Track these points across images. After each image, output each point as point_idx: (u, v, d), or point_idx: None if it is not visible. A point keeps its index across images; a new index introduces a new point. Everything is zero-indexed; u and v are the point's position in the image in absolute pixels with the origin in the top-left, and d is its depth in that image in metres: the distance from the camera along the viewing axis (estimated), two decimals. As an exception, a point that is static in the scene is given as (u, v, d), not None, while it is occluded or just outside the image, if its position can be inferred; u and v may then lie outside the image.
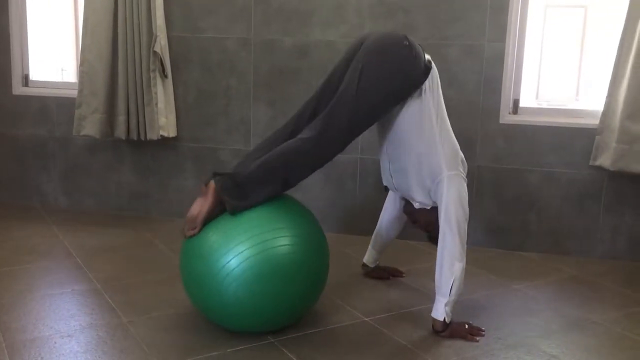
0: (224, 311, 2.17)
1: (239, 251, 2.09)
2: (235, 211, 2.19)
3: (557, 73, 5.75)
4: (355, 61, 2.27)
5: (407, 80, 2.29)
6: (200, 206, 2.21)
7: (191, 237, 2.23)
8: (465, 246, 2.31)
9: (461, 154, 2.46)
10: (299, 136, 2.28)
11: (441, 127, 2.38)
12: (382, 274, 2.93)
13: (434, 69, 2.37)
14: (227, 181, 2.23)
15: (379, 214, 2.90)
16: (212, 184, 2.22)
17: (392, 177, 2.55)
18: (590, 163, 3.23)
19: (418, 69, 2.30)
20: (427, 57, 2.37)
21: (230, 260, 2.09)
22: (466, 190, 2.37)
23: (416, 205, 2.49)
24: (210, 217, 2.21)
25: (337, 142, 2.29)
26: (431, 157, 2.35)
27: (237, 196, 2.20)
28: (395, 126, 2.38)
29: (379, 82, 2.25)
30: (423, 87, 2.32)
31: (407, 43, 2.28)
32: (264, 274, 2.10)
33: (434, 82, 2.36)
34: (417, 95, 2.33)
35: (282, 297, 2.16)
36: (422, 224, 2.55)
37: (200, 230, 2.21)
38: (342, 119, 2.24)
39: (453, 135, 2.45)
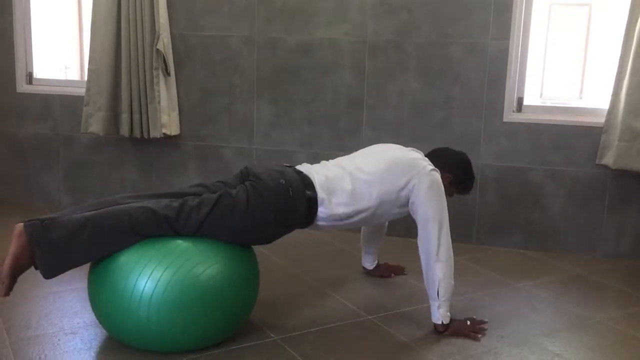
0: (138, 334, 2.03)
1: (156, 276, 1.95)
2: (47, 273, 1.93)
3: (561, 71, 5.74)
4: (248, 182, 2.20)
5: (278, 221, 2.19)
6: (8, 254, 1.92)
7: (5, 296, 1.96)
8: (448, 242, 2.26)
9: (412, 152, 2.45)
10: (146, 204, 2.06)
11: (370, 198, 2.30)
12: (384, 272, 2.93)
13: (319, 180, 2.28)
14: (38, 227, 1.91)
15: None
16: (18, 226, 1.93)
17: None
18: (597, 162, 3.22)
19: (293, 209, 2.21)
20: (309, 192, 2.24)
21: (145, 283, 1.94)
22: (438, 179, 2.31)
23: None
24: (19, 268, 1.93)
25: (191, 226, 2.07)
26: (390, 205, 2.34)
27: (49, 251, 1.91)
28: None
29: (263, 220, 2.15)
30: (318, 215, 2.25)
31: (283, 182, 2.20)
32: (180, 298, 1.96)
33: (335, 198, 2.28)
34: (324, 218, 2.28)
35: (200, 321, 2.04)
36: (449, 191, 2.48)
37: (10, 284, 1.93)
38: (204, 213, 2.07)
39: (374, 168, 2.35)
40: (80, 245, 1.96)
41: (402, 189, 2.30)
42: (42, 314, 2.40)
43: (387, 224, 2.86)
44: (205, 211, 2.07)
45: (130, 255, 1.99)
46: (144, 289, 1.94)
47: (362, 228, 2.87)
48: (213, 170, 3.77)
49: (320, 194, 2.24)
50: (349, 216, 2.29)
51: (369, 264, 2.93)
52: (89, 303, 2.49)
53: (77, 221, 1.97)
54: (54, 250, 1.94)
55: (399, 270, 2.96)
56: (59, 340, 2.18)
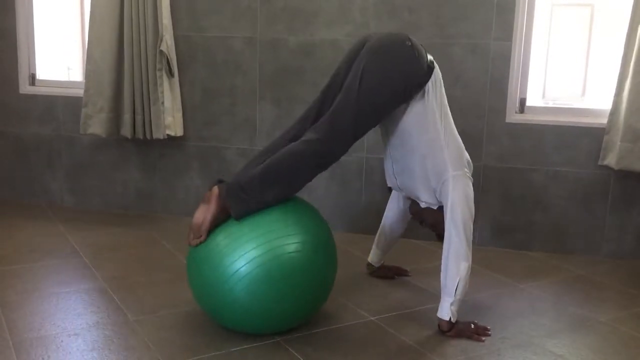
0: (235, 315, 2.16)
1: (250, 257, 2.08)
2: (241, 217, 2.17)
3: (564, 72, 5.73)
4: (357, 62, 2.27)
5: (410, 80, 2.28)
6: (204, 213, 2.17)
7: (197, 245, 2.21)
8: (471, 246, 2.31)
9: (466, 154, 2.45)
10: (302, 138, 2.26)
11: (445, 128, 2.37)
12: (387, 273, 2.93)
13: (437, 69, 2.36)
14: (231, 186, 2.19)
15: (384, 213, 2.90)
16: (215, 189, 2.18)
17: (395, 177, 2.54)
18: (599, 163, 3.22)
19: (420, 69, 2.29)
20: (430, 57, 2.35)
21: (242, 266, 2.08)
22: (472, 189, 2.36)
23: (422, 205, 2.49)
24: (215, 224, 2.18)
25: (341, 143, 2.27)
26: (436, 158, 2.35)
27: (241, 201, 2.17)
28: (399, 127, 2.38)
29: (381, 83, 2.24)
30: (426, 87, 2.31)
31: (410, 43, 2.27)
32: (274, 279, 2.09)
33: (437, 82, 2.35)
34: (420, 96, 2.32)
35: (292, 301, 2.16)
36: (429, 223, 2.54)
37: (206, 238, 2.18)
38: (345, 121, 2.23)
39: (458, 135, 2.44)
40: (271, 192, 2.20)
41: (445, 170, 2.34)
42: (45, 315, 2.40)
43: (406, 223, 2.86)
44: (352, 102, 2.23)
45: (226, 236, 2.16)
46: (239, 269, 2.08)
47: (383, 222, 2.87)
48: (215, 172, 3.77)
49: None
50: (435, 122, 2.34)
51: (377, 260, 2.92)
52: (91, 304, 2.51)
53: (261, 174, 2.20)
54: (250, 204, 2.18)
55: (402, 272, 2.96)
56: (62, 341, 2.19)
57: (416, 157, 2.38)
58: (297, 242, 2.15)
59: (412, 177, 2.44)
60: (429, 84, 2.32)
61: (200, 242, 2.19)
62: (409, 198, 2.63)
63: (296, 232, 2.17)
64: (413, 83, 2.29)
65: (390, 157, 2.52)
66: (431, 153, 2.35)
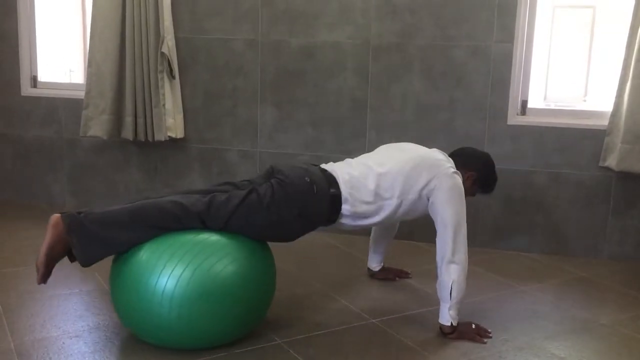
0: (160, 332, 2.06)
1: (177, 274, 1.98)
2: (85, 261, 2.02)
3: (565, 74, 5.73)
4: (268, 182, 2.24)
5: (306, 216, 2.24)
6: (43, 244, 2.01)
7: (39, 283, 2.05)
8: (464, 246, 2.28)
9: (436, 153, 2.46)
10: (176, 198, 2.14)
11: (392, 196, 2.32)
12: (388, 275, 2.93)
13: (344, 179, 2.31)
14: (75, 218, 2.00)
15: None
16: (54, 217, 2.02)
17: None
18: (600, 164, 3.22)
19: (317, 207, 2.25)
20: (334, 190, 2.28)
21: (167, 281, 1.98)
22: (458, 183, 2.33)
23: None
24: (54, 257, 2.02)
25: (219, 221, 2.13)
26: (406, 201, 2.34)
27: (85, 239, 2.00)
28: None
29: (278, 209, 2.18)
30: (342, 212, 2.29)
31: (308, 179, 2.24)
32: (200, 295, 1.99)
33: (357, 194, 2.30)
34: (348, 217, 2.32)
35: (219, 318, 2.06)
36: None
37: (45, 273, 2.02)
38: (231, 209, 2.13)
39: (400, 167, 2.36)
40: (117, 235, 2.04)
41: (424, 187, 2.32)
42: (47, 317, 2.40)
43: (398, 225, 2.87)
44: (232, 206, 2.13)
45: (152, 253, 2.03)
46: (165, 286, 1.98)
47: (373, 227, 2.87)
48: (217, 173, 3.77)
49: (344, 192, 2.28)
50: (372, 214, 2.32)
51: (376, 264, 2.93)
52: (92, 306, 2.51)
53: (113, 213, 2.06)
54: (91, 240, 2.02)
55: (403, 274, 2.96)
56: (63, 343, 2.19)
57: (398, 215, 2.38)
58: (225, 259, 2.06)
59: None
60: (345, 207, 2.28)
61: (42, 280, 2.04)
62: None
63: (224, 250, 2.08)
64: (311, 220, 2.27)
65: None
66: (411, 209, 2.36)
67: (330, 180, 2.29)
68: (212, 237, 2.11)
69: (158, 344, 2.13)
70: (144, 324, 2.07)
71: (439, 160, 2.39)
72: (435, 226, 2.32)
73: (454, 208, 2.29)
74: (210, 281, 2.01)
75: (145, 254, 2.04)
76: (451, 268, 2.26)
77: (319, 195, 2.24)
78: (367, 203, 2.30)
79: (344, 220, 2.33)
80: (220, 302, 2.04)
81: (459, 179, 2.35)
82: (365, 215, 2.32)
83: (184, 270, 1.99)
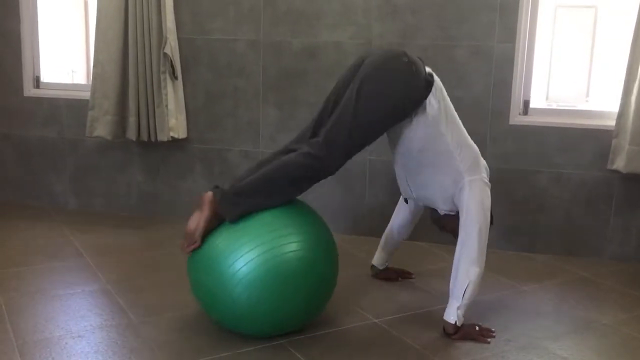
0: (236, 318, 2.16)
1: (249, 258, 2.08)
2: (235, 220, 2.17)
3: (567, 73, 5.73)
4: (356, 78, 2.25)
5: (407, 96, 2.26)
6: (197, 219, 2.18)
7: (192, 251, 2.22)
8: (485, 251, 2.30)
9: (482, 160, 2.44)
10: (299, 151, 2.25)
11: (453, 136, 2.35)
12: (391, 275, 2.93)
13: (437, 80, 2.34)
14: (225, 191, 2.20)
15: (388, 215, 2.89)
16: (208, 194, 2.19)
17: (410, 189, 2.53)
18: (608, 167, 3.20)
19: (418, 85, 2.27)
20: (428, 70, 2.34)
21: (241, 267, 2.08)
22: (489, 195, 2.36)
23: (441, 212, 2.48)
24: (209, 230, 2.19)
25: (336, 159, 2.25)
26: (449, 167, 2.34)
27: (235, 205, 2.17)
28: (405, 142, 2.37)
29: (378, 100, 2.22)
30: (427, 100, 2.29)
31: (406, 59, 2.25)
32: (274, 279, 2.09)
33: (438, 93, 2.32)
34: (422, 110, 2.30)
35: (292, 302, 2.15)
36: (449, 229, 2.51)
37: (201, 244, 2.19)
38: (340, 137, 2.21)
39: (471, 142, 2.42)
40: (261, 202, 2.21)
41: (460, 178, 2.33)
42: (49, 317, 2.40)
43: (412, 226, 2.86)
44: (346, 122, 2.20)
45: (228, 238, 2.16)
46: (239, 270, 2.09)
47: (390, 225, 2.87)
48: (219, 174, 3.78)
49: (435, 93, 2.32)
50: (439, 122, 2.31)
51: (381, 263, 2.92)
52: (95, 306, 2.52)
53: (256, 181, 2.21)
54: (240, 209, 2.18)
55: (406, 274, 2.96)
56: (66, 343, 2.19)
57: (429, 170, 2.38)
58: (296, 241, 2.15)
59: (427, 188, 2.44)
60: (430, 96, 2.30)
61: (195, 248, 2.20)
62: (427, 206, 2.61)
63: (294, 232, 2.17)
64: (411, 99, 2.27)
65: (401, 168, 2.51)
66: (443, 164, 2.35)
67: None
68: (277, 219, 2.19)
69: (234, 329, 2.24)
70: (221, 308, 2.17)
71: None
72: (460, 227, 2.32)
73: (484, 208, 2.31)
74: (278, 264, 2.10)
75: (218, 241, 2.17)
76: (472, 270, 2.27)
77: (417, 73, 2.26)
78: (443, 122, 2.32)
79: (428, 110, 2.28)
80: (289, 285, 2.12)
81: (488, 190, 2.38)
82: (436, 121, 2.30)
83: (256, 255, 2.09)
